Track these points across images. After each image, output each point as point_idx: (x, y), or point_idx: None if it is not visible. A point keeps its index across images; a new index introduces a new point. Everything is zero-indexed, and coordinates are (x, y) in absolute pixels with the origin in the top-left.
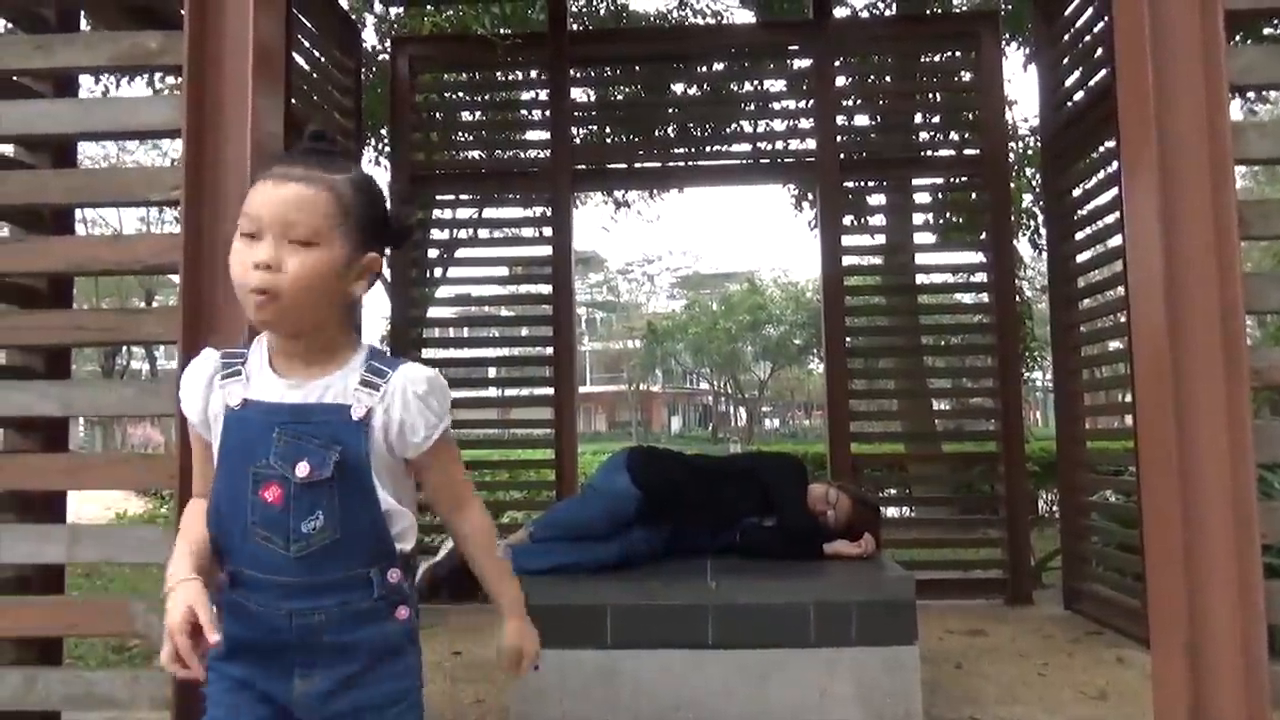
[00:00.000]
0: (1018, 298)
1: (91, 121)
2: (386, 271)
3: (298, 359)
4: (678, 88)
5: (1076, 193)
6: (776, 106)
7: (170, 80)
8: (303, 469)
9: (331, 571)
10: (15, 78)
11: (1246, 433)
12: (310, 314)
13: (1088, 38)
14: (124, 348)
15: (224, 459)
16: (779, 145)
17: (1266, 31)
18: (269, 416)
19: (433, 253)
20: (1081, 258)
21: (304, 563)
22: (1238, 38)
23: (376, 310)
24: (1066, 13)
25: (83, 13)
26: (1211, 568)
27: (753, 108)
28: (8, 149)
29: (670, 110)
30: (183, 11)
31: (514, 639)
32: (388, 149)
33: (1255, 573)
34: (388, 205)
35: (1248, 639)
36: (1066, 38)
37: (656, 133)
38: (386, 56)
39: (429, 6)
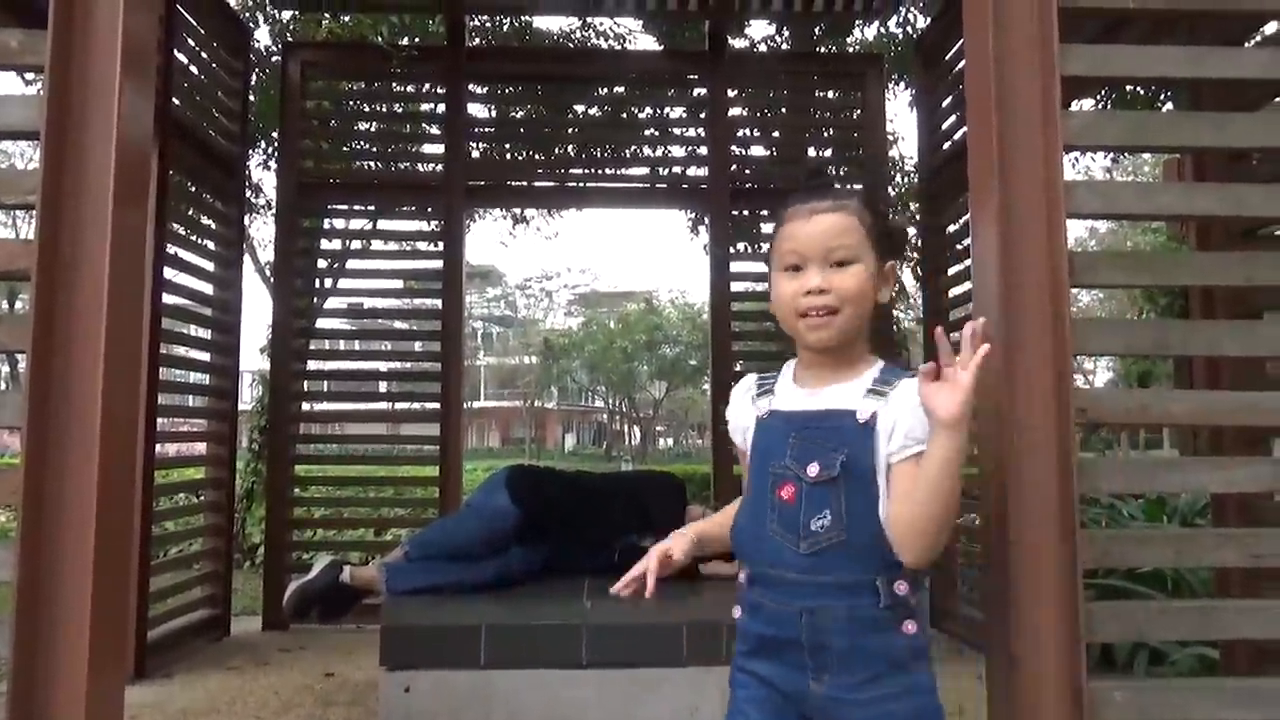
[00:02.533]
0: (896, 326)
1: None
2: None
3: (824, 370)
4: (578, 108)
5: (952, 228)
6: (675, 133)
7: None
8: (813, 469)
9: (838, 572)
10: None
11: (1071, 466)
12: (854, 324)
13: (963, 85)
14: None
15: (753, 462)
16: (675, 171)
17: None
18: (787, 423)
19: (322, 262)
20: (955, 291)
21: (812, 560)
22: (1107, 97)
23: (260, 318)
24: (946, 57)
25: None
26: (1037, 589)
27: (651, 133)
28: None
29: (569, 130)
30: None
31: None
32: (277, 154)
33: (1076, 595)
34: (898, 221)
35: (1069, 655)
36: (946, 80)
37: (556, 151)
38: (279, 60)
39: (325, 13)
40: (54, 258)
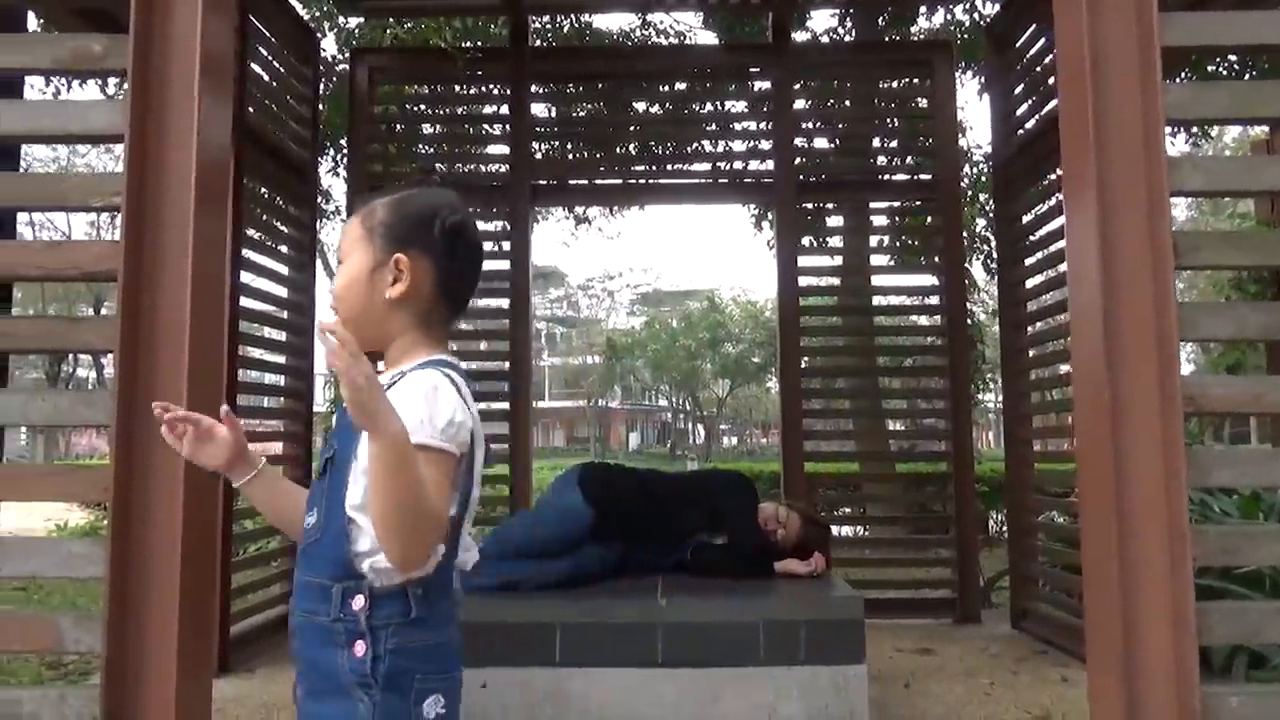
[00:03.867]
0: (969, 320)
1: (32, 124)
2: None
3: (388, 369)
4: (640, 106)
5: (1027, 218)
6: (737, 127)
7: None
8: (318, 465)
9: (309, 573)
10: None
11: (1179, 457)
12: (361, 322)
13: (1038, 68)
14: (70, 354)
15: None
16: (739, 165)
17: (1209, 69)
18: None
19: None
20: (1031, 282)
21: (300, 557)
22: (1186, 76)
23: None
24: (1018, 44)
25: (32, 14)
26: (1145, 588)
27: (713, 128)
28: None
29: (632, 128)
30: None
31: None
32: (346, 159)
33: (1187, 593)
34: (432, 211)
35: (1180, 658)
36: (1018, 68)
37: (618, 150)
38: (346, 67)
39: (390, 19)
40: (139, 258)
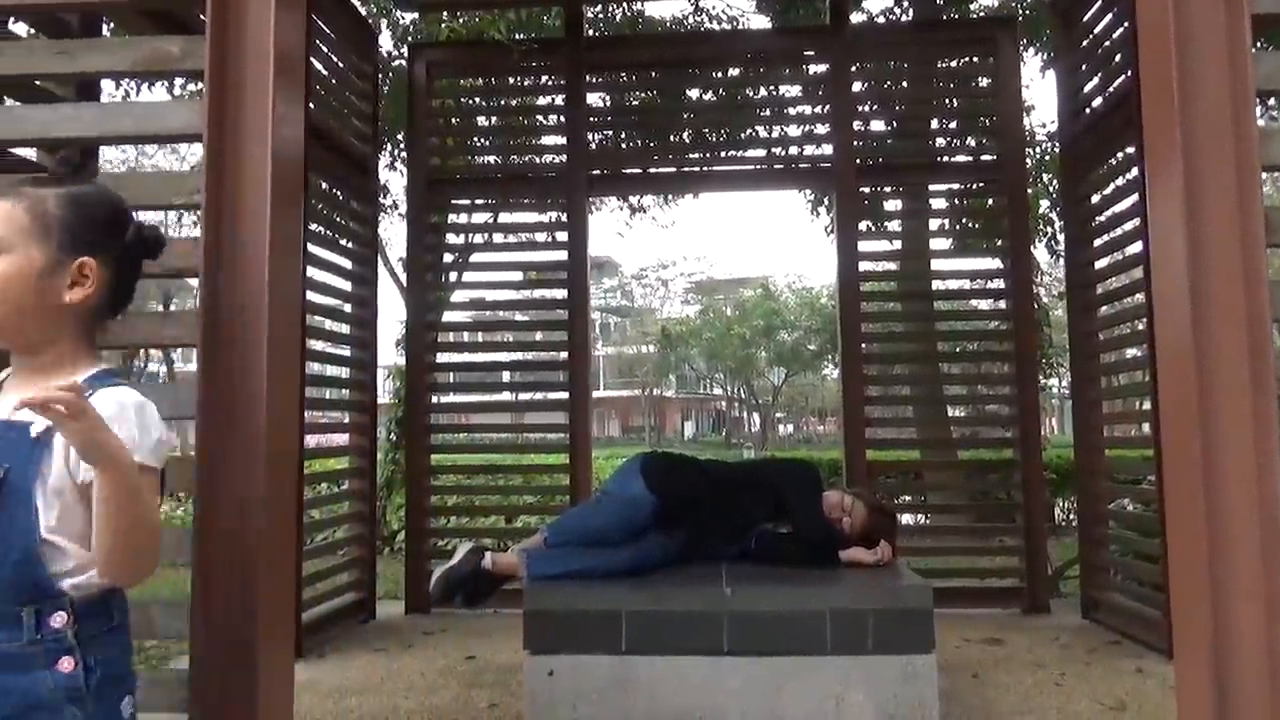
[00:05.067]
0: (1034, 304)
1: (113, 126)
2: (402, 275)
3: (24, 374)
4: (693, 93)
5: (1095, 199)
6: (793, 112)
7: (192, 87)
8: None
9: None
10: (38, 82)
11: (1273, 442)
12: (17, 322)
13: (1107, 43)
14: (141, 350)
15: None
16: (795, 151)
17: None
18: None
19: (448, 257)
20: (1100, 264)
21: None
22: (1262, 47)
23: (392, 314)
24: (1085, 18)
25: (104, 18)
26: (1236, 577)
27: (769, 113)
28: (30, 153)
29: (686, 116)
30: (203, 16)
31: None
32: (404, 154)
33: None
34: (122, 215)
35: (1274, 647)
36: (1085, 43)
37: (672, 138)
38: (403, 62)
39: (445, 13)
40: (219, 255)
